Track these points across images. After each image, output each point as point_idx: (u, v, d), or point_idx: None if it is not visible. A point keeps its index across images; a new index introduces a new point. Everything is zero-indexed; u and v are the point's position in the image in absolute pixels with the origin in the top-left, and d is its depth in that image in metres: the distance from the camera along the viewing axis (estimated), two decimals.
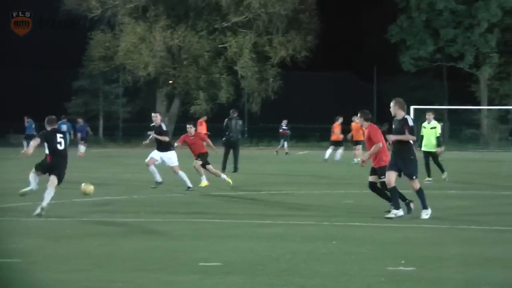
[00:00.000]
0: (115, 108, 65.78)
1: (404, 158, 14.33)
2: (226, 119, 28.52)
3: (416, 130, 14.94)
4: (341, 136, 35.11)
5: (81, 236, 12.33)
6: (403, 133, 14.30)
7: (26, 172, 16.22)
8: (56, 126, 15.80)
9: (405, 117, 14.42)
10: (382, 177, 14.75)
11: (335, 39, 64.20)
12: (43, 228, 13.13)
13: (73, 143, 42.71)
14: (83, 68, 62.37)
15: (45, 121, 15.74)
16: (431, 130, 23.77)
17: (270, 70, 59.09)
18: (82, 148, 40.82)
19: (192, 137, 21.41)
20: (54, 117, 15.94)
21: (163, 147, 20.69)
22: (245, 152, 40.42)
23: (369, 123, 15.19)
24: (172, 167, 20.45)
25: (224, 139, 28.31)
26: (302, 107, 62.67)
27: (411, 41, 59.63)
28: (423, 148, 23.75)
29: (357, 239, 12.14)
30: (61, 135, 15.45)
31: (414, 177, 14.35)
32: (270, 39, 58.43)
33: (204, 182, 20.95)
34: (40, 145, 15.26)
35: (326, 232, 12.94)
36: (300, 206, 16.86)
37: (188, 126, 21.83)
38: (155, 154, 20.59)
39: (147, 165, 20.47)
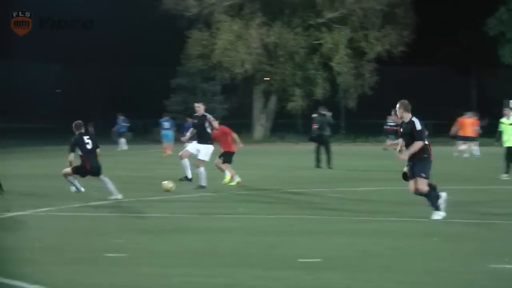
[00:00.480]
0: (213, 105, 66.47)
1: (417, 158, 13.66)
2: (314, 115, 28.91)
3: (425, 131, 13.85)
4: (473, 131, 34.73)
5: (180, 231, 12.54)
6: (412, 135, 13.73)
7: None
8: (82, 130, 17.30)
9: (412, 119, 13.84)
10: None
11: (431, 33, 63.26)
12: (145, 224, 13.42)
13: (178, 141, 43.32)
14: (181, 67, 63.29)
15: (73, 126, 17.33)
16: (510, 126, 23.26)
17: (366, 65, 58.68)
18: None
19: (217, 131, 20.82)
20: (80, 121, 17.48)
21: (203, 138, 19.93)
22: (342, 148, 40.40)
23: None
24: (197, 159, 19.69)
25: (310, 134, 28.77)
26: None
27: (511, 33, 58.25)
28: (505, 144, 23.27)
29: (458, 236, 11.99)
30: (88, 137, 17.21)
31: (422, 174, 13.56)
32: (366, 34, 58.01)
33: (228, 177, 20.66)
34: (74, 151, 17.08)
35: (425, 228, 12.81)
36: (399, 202, 16.70)
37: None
38: (192, 147, 20.01)
39: (181, 157, 19.97)
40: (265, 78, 60.30)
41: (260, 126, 60.34)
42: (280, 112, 61.65)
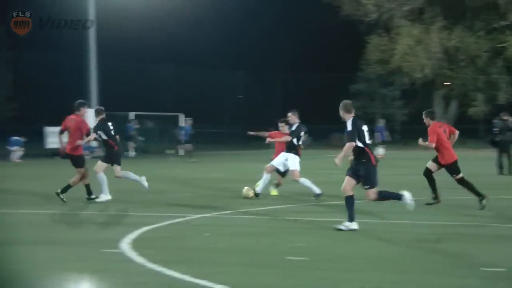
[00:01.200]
0: (392, 110, 66.09)
1: (358, 162, 13.09)
2: (495, 120, 28.22)
3: (357, 133, 12.99)
4: None
5: (358, 237, 12.57)
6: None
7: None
8: (104, 116, 18.06)
9: (347, 120, 13.18)
10: (454, 175, 16.60)
11: None
12: (326, 228, 13.52)
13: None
14: (360, 72, 63.29)
15: (95, 111, 18.25)
16: None
17: None
18: (381, 150, 40.78)
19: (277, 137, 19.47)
20: (102, 108, 18.36)
21: (291, 149, 18.87)
22: None
23: (433, 121, 16.83)
24: (291, 171, 18.78)
25: (490, 139, 28.15)
26: None
27: None
28: None
29: None
30: (110, 123, 17.96)
31: (367, 186, 13.03)
32: None
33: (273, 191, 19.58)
34: (96, 136, 17.94)
35: None
36: None
37: (280, 125, 19.50)
38: (278, 159, 19.03)
39: (266, 170, 18.93)
40: (445, 83, 59.24)
41: None
42: (461, 117, 60.40)
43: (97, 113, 18.20)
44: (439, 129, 16.98)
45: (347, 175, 13.14)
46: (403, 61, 56.56)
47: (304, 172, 19.13)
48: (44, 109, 58.24)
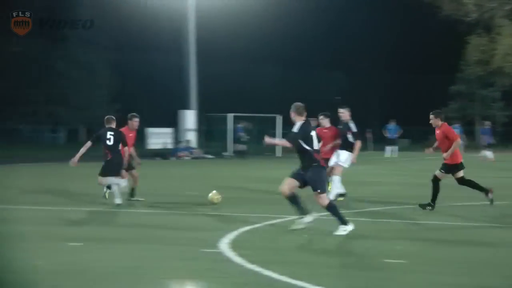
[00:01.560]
0: (492, 112, 64.83)
1: (307, 168, 12.79)
2: None
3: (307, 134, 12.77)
4: None
5: (457, 240, 12.43)
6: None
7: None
8: (112, 125, 17.70)
9: (297, 123, 12.89)
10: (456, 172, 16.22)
11: None
12: (422, 231, 13.42)
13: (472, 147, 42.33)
14: (460, 73, 62.32)
15: (104, 119, 17.84)
16: None
17: None
18: (488, 153, 39.43)
19: (326, 130, 18.44)
20: (111, 116, 17.98)
21: (345, 147, 18.28)
22: None
23: (443, 122, 16.28)
24: (333, 166, 18.03)
25: None
26: None
27: None
28: None
29: None
30: (112, 133, 17.46)
31: (318, 191, 12.68)
32: None
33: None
34: (94, 144, 17.54)
35: None
36: None
37: (320, 117, 18.71)
38: (334, 157, 18.28)
39: (336, 171, 18.15)
40: None
41: None
42: None
43: (105, 121, 17.91)
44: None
45: (290, 176, 13.11)
46: (504, 62, 55.33)
47: (403, 174, 18.96)
48: (145, 110, 59.48)
